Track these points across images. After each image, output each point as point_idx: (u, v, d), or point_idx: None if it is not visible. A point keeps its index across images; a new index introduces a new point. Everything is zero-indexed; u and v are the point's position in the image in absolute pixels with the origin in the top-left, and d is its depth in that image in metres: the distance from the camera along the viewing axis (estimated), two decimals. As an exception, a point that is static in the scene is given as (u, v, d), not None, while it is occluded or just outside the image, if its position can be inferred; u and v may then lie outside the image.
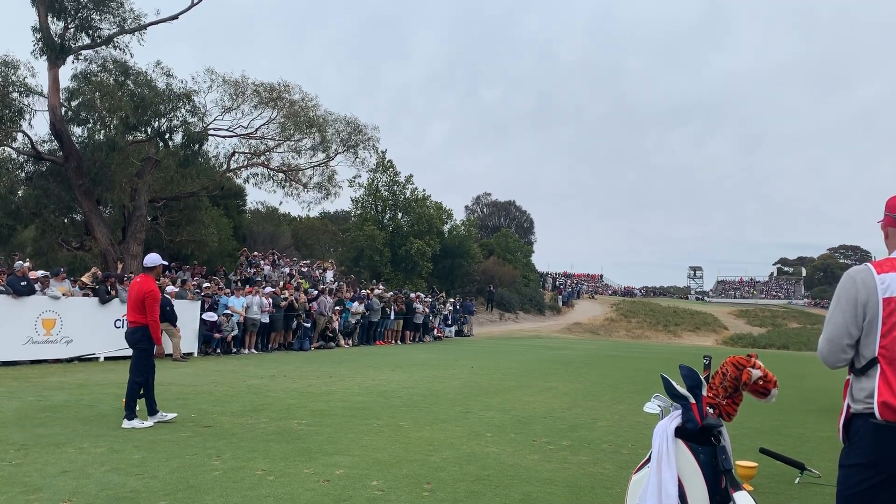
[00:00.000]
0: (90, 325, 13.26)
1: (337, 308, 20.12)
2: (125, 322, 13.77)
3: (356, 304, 20.89)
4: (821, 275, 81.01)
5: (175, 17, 21.29)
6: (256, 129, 24.68)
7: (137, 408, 6.91)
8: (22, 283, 12.34)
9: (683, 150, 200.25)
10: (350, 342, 20.55)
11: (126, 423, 6.70)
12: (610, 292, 65.13)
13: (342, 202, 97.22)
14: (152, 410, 7.02)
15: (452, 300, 31.05)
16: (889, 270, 2.46)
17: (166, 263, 7.69)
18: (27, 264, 13.41)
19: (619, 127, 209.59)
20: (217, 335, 15.72)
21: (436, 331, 26.69)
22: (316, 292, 20.20)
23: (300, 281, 21.65)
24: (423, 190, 35.79)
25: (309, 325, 18.93)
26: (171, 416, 7.13)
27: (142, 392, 6.99)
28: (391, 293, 24.79)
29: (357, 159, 27.77)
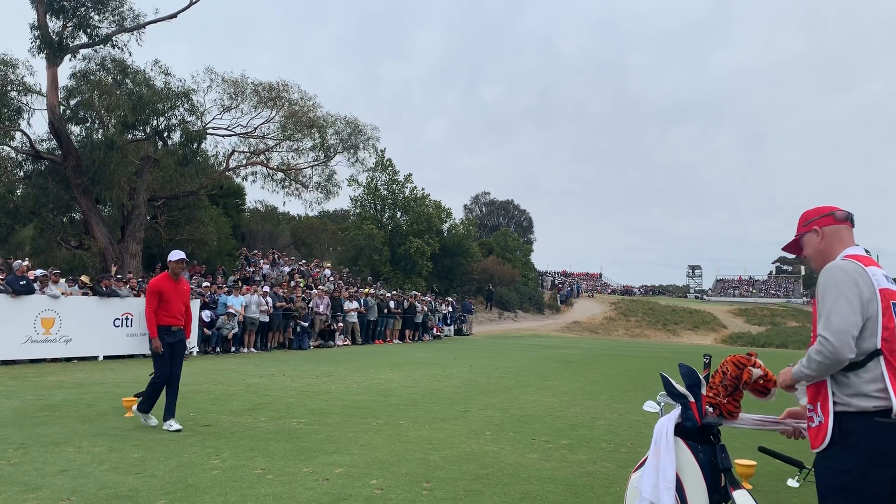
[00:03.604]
0: (89, 325, 13.25)
1: (338, 315, 20.21)
2: (126, 321, 13.87)
3: (347, 301, 20.91)
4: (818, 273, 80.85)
5: (174, 16, 21.27)
6: (255, 129, 24.66)
7: (153, 406, 6.78)
8: (21, 283, 12.33)
9: (685, 147, 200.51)
10: (347, 340, 20.56)
11: (135, 410, 6.78)
12: (609, 291, 65.18)
13: (341, 201, 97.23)
14: (144, 409, 6.76)
15: (451, 299, 31.04)
16: (870, 264, 2.53)
17: (180, 259, 6.96)
18: (26, 263, 13.39)
19: (620, 124, 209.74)
20: (208, 331, 15.72)
21: (435, 330, 26.70)
22: (313, 291, 20.23)
23: (298, 280, 21.66)
24: (423, 189, 35.79)
25: (308, 324, 18.94)
26: (153, 421, 6.78)
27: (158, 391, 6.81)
28: (390, 293, 24.80)
29: (357, 160, 27.78)
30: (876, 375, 2.37)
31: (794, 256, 2.88)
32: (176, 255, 6.95)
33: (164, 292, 6.80)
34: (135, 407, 6.81)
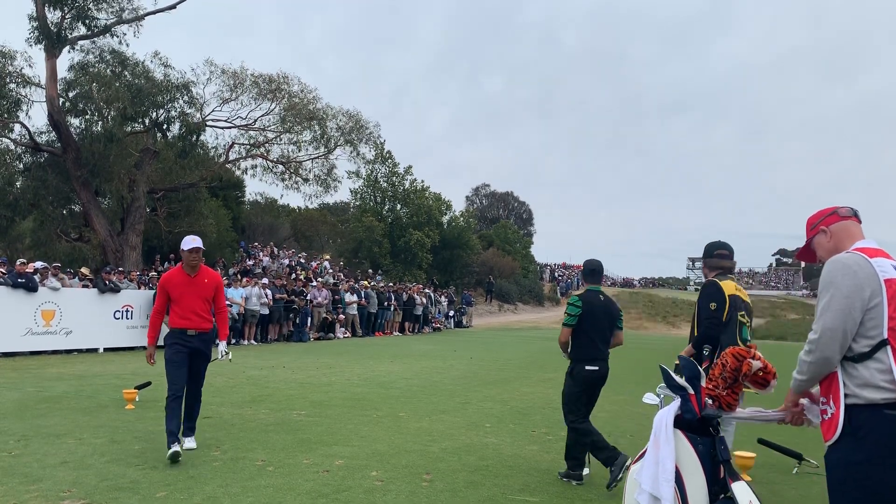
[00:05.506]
0: (89, 317, 13.26)
1: (338, 307, 20.22)
2: (127, 313, 13.88)
3: (348, 294, 20.94)
4: (820, 265, 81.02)
5: (173, 7, 21.14)
6: (255, 121, 24.59)
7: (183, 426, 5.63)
8: (20, 280, 12.33)
9: (686, 138, 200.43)
10: (347, 332, 20.59)
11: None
12: (609, 283, 65.20)
13: (341, 193, 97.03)
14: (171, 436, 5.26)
15: (448, 291, 31.03)
16: (876, 256, 2.52)
17: (192, 248, 5.51)
18: (24, 261, 13.34)
19: (621, 115, 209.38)
20: None
21: (435, 322, 26.73)
22: (313, 282, 20.23)
23: (298, 273, 21.67)
24: (422, 181, 35.72)
25: (309, 321, 18.99)
26: (176, 447, 5.24)
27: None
28: (385, 284, 24.80)
29: (357, 155, 27.69)
30: (885, 366, 2.36)
31: (810, 264, 2.89)
32: (188, 242, 5.52)
33: (172, 288, 5.52)
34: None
